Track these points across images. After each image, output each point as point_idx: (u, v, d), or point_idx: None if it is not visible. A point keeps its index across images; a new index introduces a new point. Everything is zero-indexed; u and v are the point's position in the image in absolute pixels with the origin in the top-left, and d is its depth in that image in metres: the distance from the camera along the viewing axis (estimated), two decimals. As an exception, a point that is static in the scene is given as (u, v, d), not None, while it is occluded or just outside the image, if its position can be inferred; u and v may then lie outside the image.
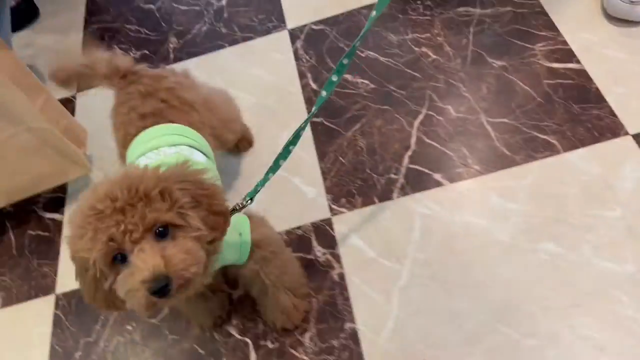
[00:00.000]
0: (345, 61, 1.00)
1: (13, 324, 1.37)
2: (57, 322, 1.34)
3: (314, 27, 1.74)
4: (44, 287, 1.41)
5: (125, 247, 0.74)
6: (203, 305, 1.18)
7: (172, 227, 0.77)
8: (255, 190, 1.04)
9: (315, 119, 1.51)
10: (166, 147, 1.02)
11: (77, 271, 0.80)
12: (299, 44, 1.71)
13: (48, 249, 1.47)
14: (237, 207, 1.00)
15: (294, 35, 1.74)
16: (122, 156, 1.11)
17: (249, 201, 1.02)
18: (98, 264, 0.75)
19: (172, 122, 1.08)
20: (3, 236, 1.53)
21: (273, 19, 1.81)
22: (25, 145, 1.37)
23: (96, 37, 1.97)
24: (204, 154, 1.08)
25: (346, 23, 1.71)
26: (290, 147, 1.05)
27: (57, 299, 1.38)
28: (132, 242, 0.73)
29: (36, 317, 1.36)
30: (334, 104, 1.53)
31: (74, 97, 1.80)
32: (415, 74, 1.52)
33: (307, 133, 1.49)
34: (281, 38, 1.74)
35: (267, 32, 1.78)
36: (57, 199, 1.57)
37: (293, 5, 1.83)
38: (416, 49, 1.58)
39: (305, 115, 1.52)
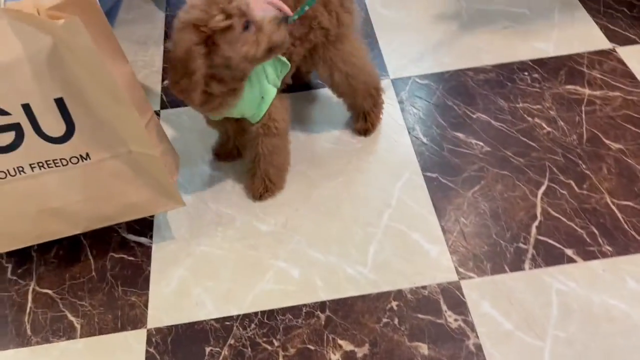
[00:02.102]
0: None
1: (97, 357, 1.22)
2: (150, 362, 1.20)
3: (419, 80, 1.72)
4: (133, 319, 1.26)
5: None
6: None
7: None
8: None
9: (429, 174, 1.47)
10: None
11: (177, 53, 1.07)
12: (404, 95, 1.69)
13: (135, 275, 1.34)
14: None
15: (397, 85, 1.72)
16: None
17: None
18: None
19: None
20: (79, 254, 1.39)
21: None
22: (119, 171, 1.22)
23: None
24: None
25: (452, 82, 1.71)
26: None
27: (149, 334, 1.24)
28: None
29: (124, 352, 1.21)
30: (448, 161, 1.50)
31: (157, 112, 1.70)
32: (532, 143, 1.52)
33: (423, 188, 1.45)
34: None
35: (369, 77, 1.75)
36: (142, 221, 1.44)
37: (394, 57, 1.82)
38: (529, 118, 1.58)
39: (417, 168, 1.48)
